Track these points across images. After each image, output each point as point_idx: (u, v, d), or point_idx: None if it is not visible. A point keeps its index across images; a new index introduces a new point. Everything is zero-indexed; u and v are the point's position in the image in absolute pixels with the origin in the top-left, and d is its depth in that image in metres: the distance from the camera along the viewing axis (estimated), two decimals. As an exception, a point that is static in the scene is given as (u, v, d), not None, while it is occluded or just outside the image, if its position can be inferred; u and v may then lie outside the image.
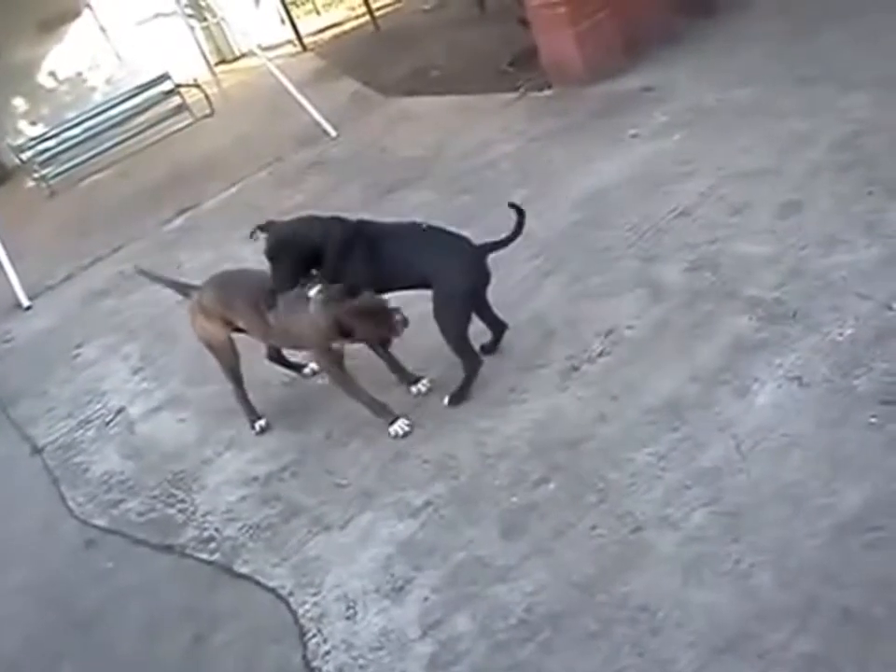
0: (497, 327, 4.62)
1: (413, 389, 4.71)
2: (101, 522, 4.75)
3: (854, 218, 4.59)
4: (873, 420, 3.37)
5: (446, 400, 4.44)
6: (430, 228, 4.44)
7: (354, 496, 4.11)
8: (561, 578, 3.25)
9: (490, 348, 4.66)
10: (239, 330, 4.84)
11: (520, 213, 4.28)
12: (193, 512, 4.47)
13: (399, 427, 4.42)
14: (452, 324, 4.30)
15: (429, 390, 4.69)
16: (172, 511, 4.56)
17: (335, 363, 4.51)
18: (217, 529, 4.28)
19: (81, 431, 5.71)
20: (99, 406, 5.94)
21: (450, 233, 4.40)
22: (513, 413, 4.22)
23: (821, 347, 3.83)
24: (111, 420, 5.71)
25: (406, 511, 3.87)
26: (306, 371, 5.24)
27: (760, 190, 5.19)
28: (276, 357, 5.22)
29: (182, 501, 4.60)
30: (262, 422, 4.95)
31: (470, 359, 4.40)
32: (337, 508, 4.07)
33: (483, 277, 4.35)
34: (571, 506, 3.54)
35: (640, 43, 8.15)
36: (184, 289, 5.14)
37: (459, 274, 4.25)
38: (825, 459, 3.30)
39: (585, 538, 3.38)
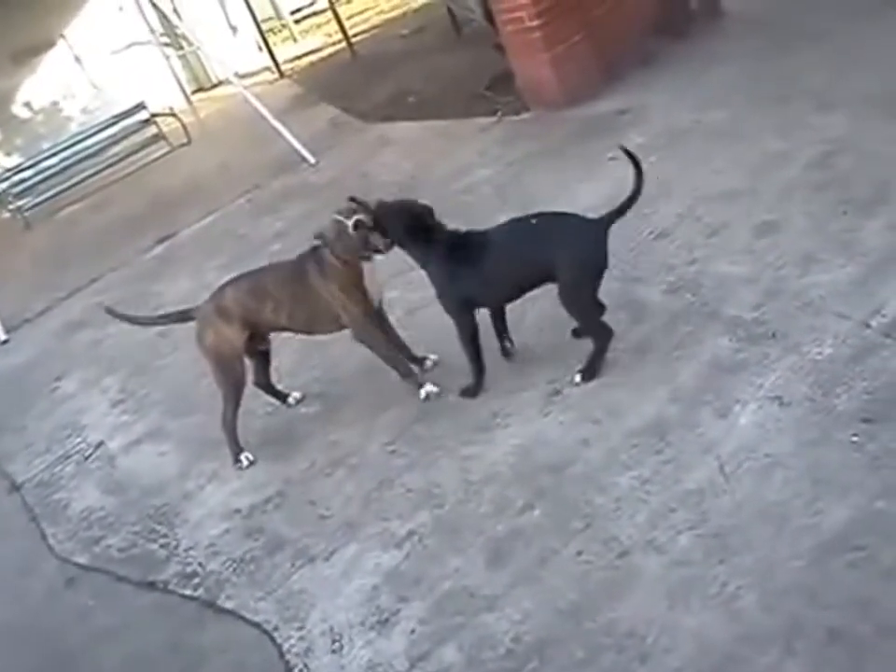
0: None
1: (427, 364, 4.95)
2: (82, 559, 4.70)
3: (830, 238, 4.63)
4: (854, 439, 3.39)
5: (578, 378, 4.31)
6: (539, 216, 4.37)
7: (338, 527, 4.08)
8: (548, 605, 3.24)
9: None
10: (252, 338, 4.83)
11: (636, 165, 4.29)
12: (176, 547, 4.43)
13: (428, 390, 4.68)
14: (584, 305, 4.27)
15: (435, 364, 4.94)
16: (154, 546, 4.52)
17: (369, 319, 4.67)
18: (200, 564, 4.24)
19: (61, 467, 5.66)
20: (78, 440, 5.89)
21: (560, 216, 4.37)
22: (497, 438, 4.21)
23: (801, 367, 3.85)
24: (91, 454, 5.66)
25: (391, 541, 3.85)
26: (290, 399, 5.23)
27: (736, 211, 5.23)
28: (263, 382, 5.18)
29: (164, 536, 4.56)
30: (248, 454, 4.87)
31: (602, 333, 4.28)
32: (321, 540, 4.04)
33: (605, 251, 4.22)
34: (557, 532, 3.53)
35: (615, 66, 8.20)
36: (175, 317, 5.12)
37: (586, 255, 4.19)
38: (807, 479, 3.31)
39: (571, 564, 3.37)
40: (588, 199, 6.05)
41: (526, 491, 3.81)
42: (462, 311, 4.47)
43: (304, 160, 10.42)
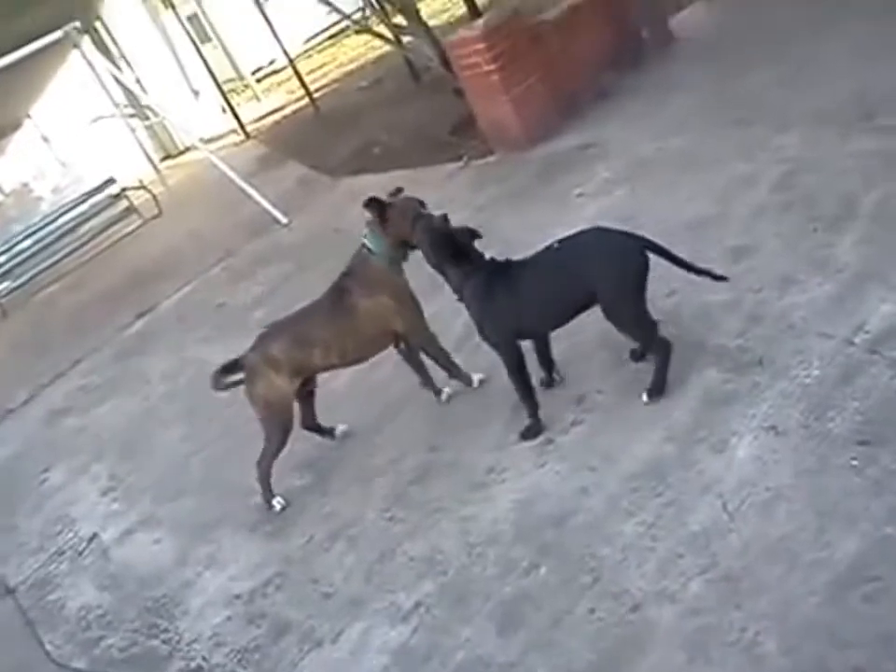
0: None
1: (443, 396, 4.97)
2: (81, 664, 4.59)
3: (804, 257, 4.61)
4: (853, 463, 3.33)
5: (645, 397, 4.17)
6: (571, 237, 4.28)
7: (342, 604, 4.00)
8: (565, 670, 3.15)
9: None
10: (305, 383, 4.89)
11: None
12: (178, 642, 4.33)
13: (478, 377, 4.89)
14: (632, 319, 4.15)
15: (450, 397, 4.98)
16: (155, 642, 4.42)
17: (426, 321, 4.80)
18: (204, 658, 4.14)
19: (54, 565, 5.55)
20: (70, 535, 5.79)
21: (591, 233, 4.31)
22: (495, 494, 4.13)
23: (792, 392, 3.80)
24: (84, 549, 5.56)
25: (397, 615, 3.76)
26: (337, 433, 5.19)
27: (708, 237, 5.20)
28: (311, 424, 5.15)
29: (165, 631, 4.45)
30: (279, 499, 4.90)
31: (660, 346, 4.15)
32: (326, 620, 3.95)
33: (644, 261, 4.09)
34: (565, 590, 3.45)
35: (574, 102, 8.24)
36: (224, 369, 5.03)
37: (621, 269, 4.07)
38: (811, 510, 3.25)
39: (584, 623, 3.29)
40: (557, 237, 6.01)
41: (530, 549, 3.73)
42: (506, 342, 4.36)
43: (276, 220, 10.41)
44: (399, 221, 4.59)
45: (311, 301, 4.94)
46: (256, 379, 4.80)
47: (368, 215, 4.68)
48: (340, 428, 5.20)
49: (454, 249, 4.34)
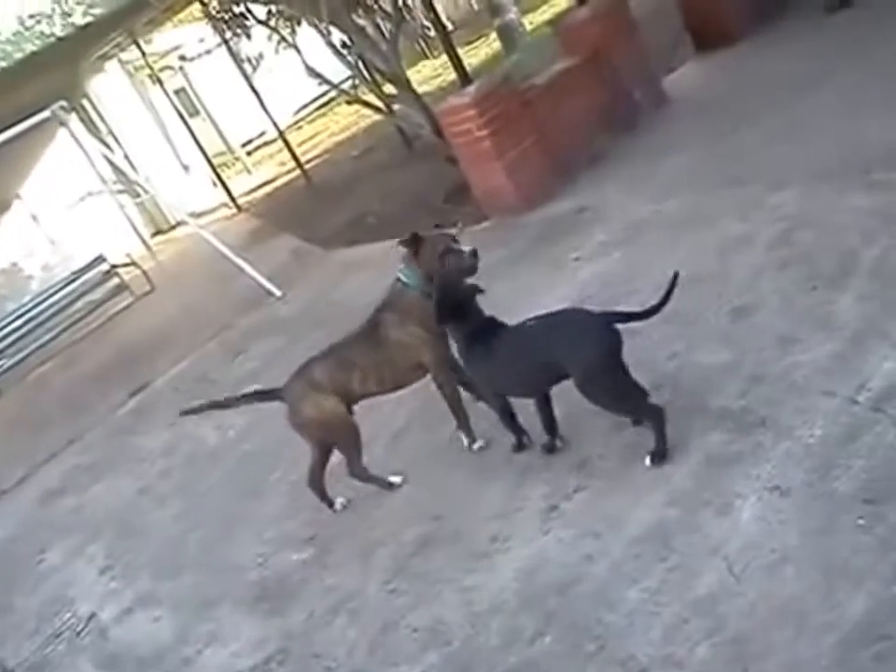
0: None
1: (475, 447, 4.97)
2: (83, 745, 4.51)
3: (804, 315, 4.59)
4: (860, 522, 3.29)
5: (648, 461, 4.14)
6: (543, 316, 4.42)
7: (345, 679, 3.93)
8: (572, 739, 3.10)
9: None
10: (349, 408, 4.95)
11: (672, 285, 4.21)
12: (179, 723, 4.26)
13: (479, 445, 4.93)
14: (608, 396, 4.20)
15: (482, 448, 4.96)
16: (156, 723, 4.34)
17: (448, 361, 4.85)
18: (207, 738, 4.06)
19: (52, 646, 5.44)
20: (69, 615, 5.68)
21: (563, 314, 4.48)
22: (498, 563, 4.07)
23: (795, 452, 3.77)
24: (82, 629, 5.46)
25: (401, 689, 3.70)
26: (337, 505, 5.16)
27: (707, 298, 5.19)
28: (318, 484, 5.14)
29: (166, 710, 4.38)
30: (397, 478, 5.02)
31: (652, 413, 4.15)
32: (330, 695, 3.88)
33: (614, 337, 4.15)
34: (571, 658, 3.39)
35: (568, 165, 8.29)
36: (259, 397, 5.18)
37: (589, 350, 4.12)
38: (819, 570, 3.20)
39: (591, 690, 3.23)
40: (557, 303, 5.98)
41: (535, 617, 3.67)
42: (491, 395, 4.66)
43: (270, 293, 10.41)
44: (430, 255, 4.74)
45: (346, 334, 5.06)
46: (302, 404, 4.89)
47: (403, 249, 4.84)
48: (339, 501, 5.17)
49: (455, 305, 4.51)
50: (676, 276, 4.18)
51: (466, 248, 4.70)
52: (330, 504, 5.12)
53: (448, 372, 4.92)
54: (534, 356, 4.28)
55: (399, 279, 4.89)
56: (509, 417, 4.64)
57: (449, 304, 4.51)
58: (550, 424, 4.57)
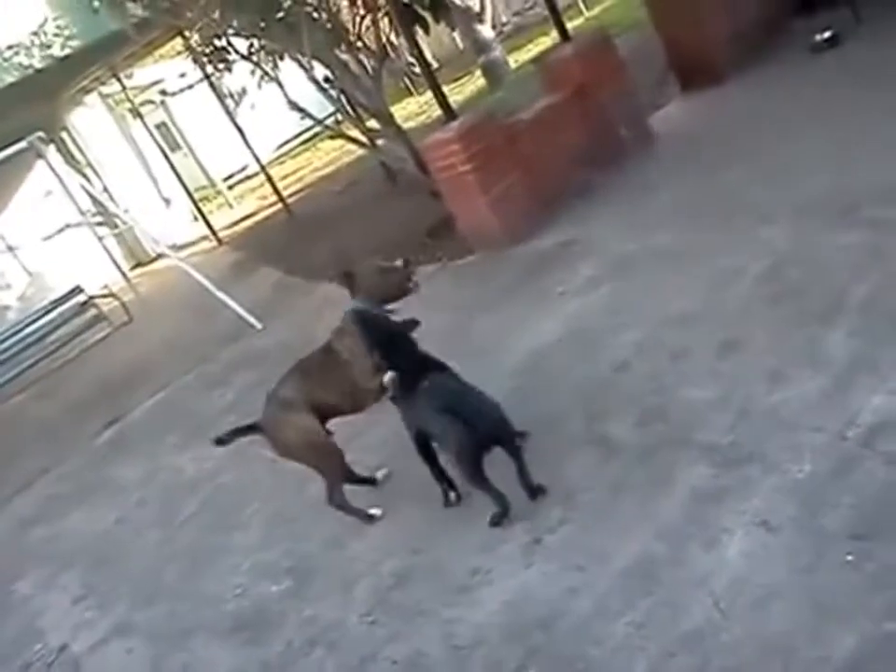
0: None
1: (378, 475, 5.18)
2: None
3: (793, 350, 4.58)
4: (848, 558, 3.25)
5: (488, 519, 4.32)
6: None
7: (323, 712, 3.85)
8: None
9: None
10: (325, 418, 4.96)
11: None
12: (152, 756, 4.15)
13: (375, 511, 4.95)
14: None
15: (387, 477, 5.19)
16: (128, 756, 4.24)
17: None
18: None
19: (22, 678, 5.35)
20: (40, 646, 5.56)
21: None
22: (481, 597, 4.01)
23: (783, 487, 3.73)
24: (53, 660, 5.34)
25: (380, 722, 3.63)
26: (378, 475, 5.26)
27: (696, 333, 5.17)
28: (352, 477, 5.14)
29: (139, 744, 4.27)
30: (375, 510, 4.98)
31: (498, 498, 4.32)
32: (307, 728, 3.80)
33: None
34: (554, 693, 3.34)
35: (554, 200, 8.28)
36: (242, 431, 5.10)
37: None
38: (807, 607, 3.16)
39: (574, 726, 3.17)
40: (543, 338, 6.02)
41: (518, 651, 3.60)
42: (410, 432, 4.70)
43: (251, 326, 10.34)
44: (368, 282, 4.89)
45: (310, 355, 5.13)
46: (280, 432, 4.90)
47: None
48: (381, 472, 5.29)
49: (384, 339, 4.66)
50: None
51: (398, 262, 4.85)
52: (367, 515, 5.03)
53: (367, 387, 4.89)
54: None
55: (354, 308, 4.92)
56: (428, 462, 4.69)
57: (375, 339, 4.64)
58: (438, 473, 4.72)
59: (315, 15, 10.28)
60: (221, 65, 13.48)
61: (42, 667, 5.36)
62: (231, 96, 21.06)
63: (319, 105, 13.66)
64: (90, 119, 20.79)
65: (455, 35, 24.87)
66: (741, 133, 7.97)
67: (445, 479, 4.69)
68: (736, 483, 3.88)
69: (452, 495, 4.70)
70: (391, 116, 10.87)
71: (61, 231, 19.05)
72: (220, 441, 5.11)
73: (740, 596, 3.33)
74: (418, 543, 4.60)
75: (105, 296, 15.17)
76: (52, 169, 14.67)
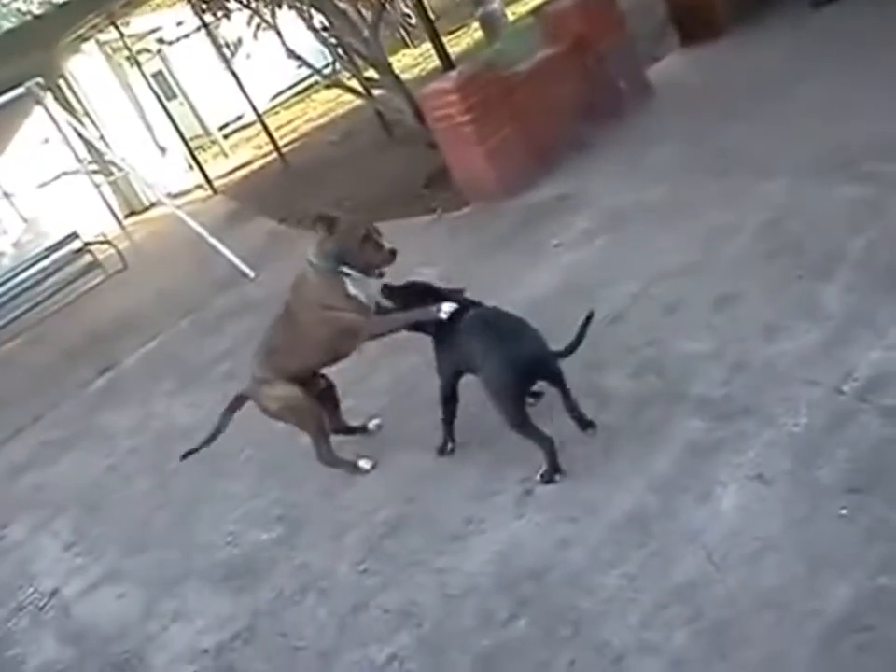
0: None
1: (370, 425, 5.27)
2: (42, 721, 4.39)
3: (789, 304, 4.55)
4: (843, 512, 3.25)
5: (538, 477, 4.17)
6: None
7: (313, 658, 3.83)
8: (544, 724, 3.03)
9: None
10: (304, 384, 4.95)
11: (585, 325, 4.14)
12: (142, 698, 4.15)
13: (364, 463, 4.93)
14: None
15: (378, 427, 5.23)
16: (118, 698, 4.24)
17: (369, 315, 4.72)
18: (169, 715, 3.97)
19: (14, 621, 5.32)
20: (31, 590, 5.56)
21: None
22: (472, 546, 4.00)
23: (778, 441, 3.72)
24: (45, 604, 5.34)
25: (370, 668, 3.61)
26: (371, 426, 5.31)
27: (691, 286, 5.15)
28: (340, 427, 5.23)
29: (129, 686, 4.27)
30: (364, 461, 4.98)
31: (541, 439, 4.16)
32: (296, 674, 3.79)
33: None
34: (545, 642, 3.33)
35: (550, 153, 8.22)
36: (234, 407, 5.18)
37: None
38: (801, 560, 3.15)
39: (564, 675, 3.16)
40: (538, 289, 5.98)
41: (509, 601, 3.60)
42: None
43: (244, 275, 10.30)
44: (346, 236, 4.64)
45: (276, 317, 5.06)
46: (262, 401, 4.98)
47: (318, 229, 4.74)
48: (373, 423, 5.31)
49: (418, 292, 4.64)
50: (590, 317, 4.14)
51: (386, 244, 4.62)
52: (354, 466, 5.02)
53: (374, 320, 4.75)
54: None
55: (308, 261, 4.77)
56: (448, 408, 4.65)
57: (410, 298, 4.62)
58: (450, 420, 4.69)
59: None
60: (220, 13, 13.35)
61: (34, 610, 5.35)
62: (228, 46, 20.84)
63: (316, 57, 13.56)
64: (87, 67, 20.65)
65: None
66: (740, 87, 7.92)
67: (452, 427, 4.66)
68: (731, 437, 3.86)
69: (450, 445, 4.68)
70: (389, 65, 10.77)
71: (57, 178, 18.93)
72: (222, 420, 5.20)
73: (734, 549, 3.32)
74: (411, 492, 4.59)
75: (100, 242, 15.08)
76: (50, 115, 14.55)
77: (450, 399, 4.59)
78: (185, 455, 5.25)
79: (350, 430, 5.26)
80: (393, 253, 4.59)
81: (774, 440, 3.74)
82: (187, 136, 21.06)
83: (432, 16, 17.83)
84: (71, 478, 7.00)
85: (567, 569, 3.62)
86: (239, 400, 5.13)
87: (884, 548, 3.04)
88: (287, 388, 4.88)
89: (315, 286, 4.72)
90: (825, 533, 3.21)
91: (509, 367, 4.07)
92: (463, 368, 4.41)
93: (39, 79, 12.36)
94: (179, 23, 24.52)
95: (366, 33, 10.41)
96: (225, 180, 18.90)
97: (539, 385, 4.37)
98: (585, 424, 4.27)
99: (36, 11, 14.58)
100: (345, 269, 4.62)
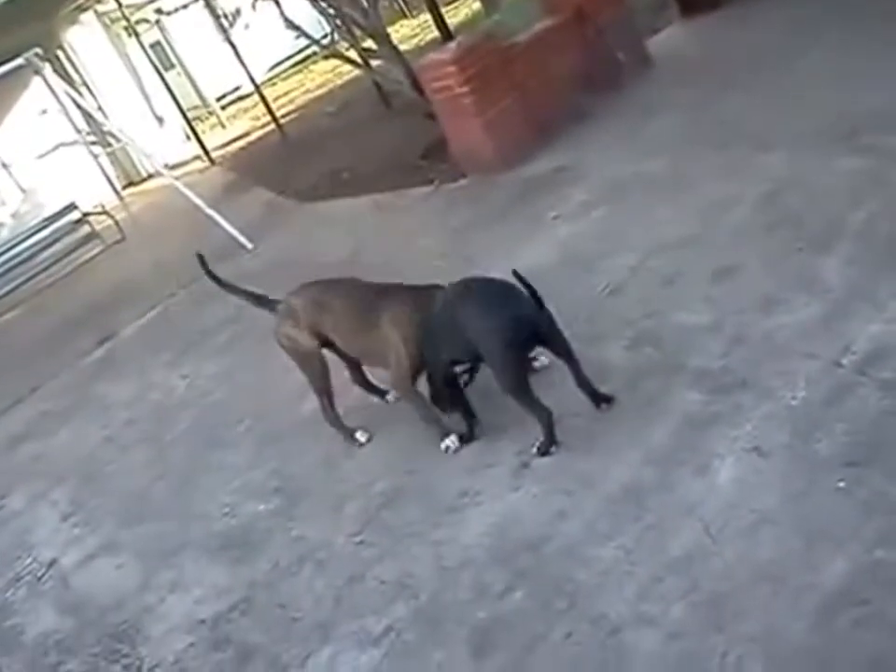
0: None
1: (389, 398, 5.15)
2: (39, 690, 4.40)
3: (789, 277, 4.53)
4: (840, 485, 3.24)
5: (534, 450, 4.14)
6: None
7: (310, 629, 3.84)
8: (540, 695, 3.04)
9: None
10: (327, 345, 4.94)
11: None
12: (140, 668, 4.14)
13: (451, 441, 4.54)
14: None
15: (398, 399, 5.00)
16: (116, 668, 4.23)
17: (411, 378, 4.62)
18: (166, 684, 3.97)
19: (12, 591, 5.34)
20: (29, 560, 5.57)
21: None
22: (469, 518, 4.00)
23: (776, 414, 3.71)
24: (43, 574, 5.35)
25: (367, 639, 3.61)
26: (388, 397, 5.20)
27: (689, 259, 5.13)
28: (360, 380, 5.21)
29: (126, 656, 4.26)
30: (361, 432, 4.98)
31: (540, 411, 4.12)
32: (293, 645, 3.79)
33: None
34: (541, 614, 3.33)
35: (549, 124, 8.18)
36: (258, 301, 5.24)
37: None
38: (798, 533, 3.15)
39: (560, 648, 3.16)
40: (535, 260, 5.95)
41: (505, 573, 3.60)
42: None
43: (242, 246, 10.27)
44: None
45: (353, 283, 5.00)
46: (279, 328, 5.03)
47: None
48: (392, 394, 5.19)
49: None
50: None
51: None
52: (352, 436, 5.01)
53: (408, 385, 4.64)
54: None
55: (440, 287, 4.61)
56: (455, 398, 4.60)
57: None
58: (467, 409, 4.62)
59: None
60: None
61: (32, 580, 5.36)
62: (226, 16, 20.73)
63: (314, 28, 13.47)
64: (85, 38, 20.56)
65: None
66: (740, 59, 7.87)
67: (472, 413, 4.57)
68: (728, 409, 3.85)
69: (476, 428, 4.57)
70: (387, 36, 10.70)
71: (55, 148, 18.85)
72: (246, 293, 5.35)
73: (731, 522, 3.31)
74: (408, 464, 4.59)
75: (98, 213, 15.02)
76: (49, 86, 14.46)
77: (451, 384, 4.54)
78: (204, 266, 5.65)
79: (370, 387, 5.23)
80: None
81: (772, 412, 3.72)
82: (184, 107, 20.92)
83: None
84: (69, 448, 7.00)
85: (563, 542, 3.61)
86: (265, 304, 5.18)
87: (881, 521, 3.03)
88: (307, 341, 4.90)
89: (415, 328, 4.52)
90: (822, 506, 3.21)
91: (501, 327, 4.06)
92: (459, 341, 4.29)
93: (38, 50, 12.27)
94: (178, -7, 24.38)
95: (364, 3, 10.33)
96: (223, 151, 18.81)
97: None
98: (600, 399, 4.22)
99: (35, -19, 14.49)
100: None
